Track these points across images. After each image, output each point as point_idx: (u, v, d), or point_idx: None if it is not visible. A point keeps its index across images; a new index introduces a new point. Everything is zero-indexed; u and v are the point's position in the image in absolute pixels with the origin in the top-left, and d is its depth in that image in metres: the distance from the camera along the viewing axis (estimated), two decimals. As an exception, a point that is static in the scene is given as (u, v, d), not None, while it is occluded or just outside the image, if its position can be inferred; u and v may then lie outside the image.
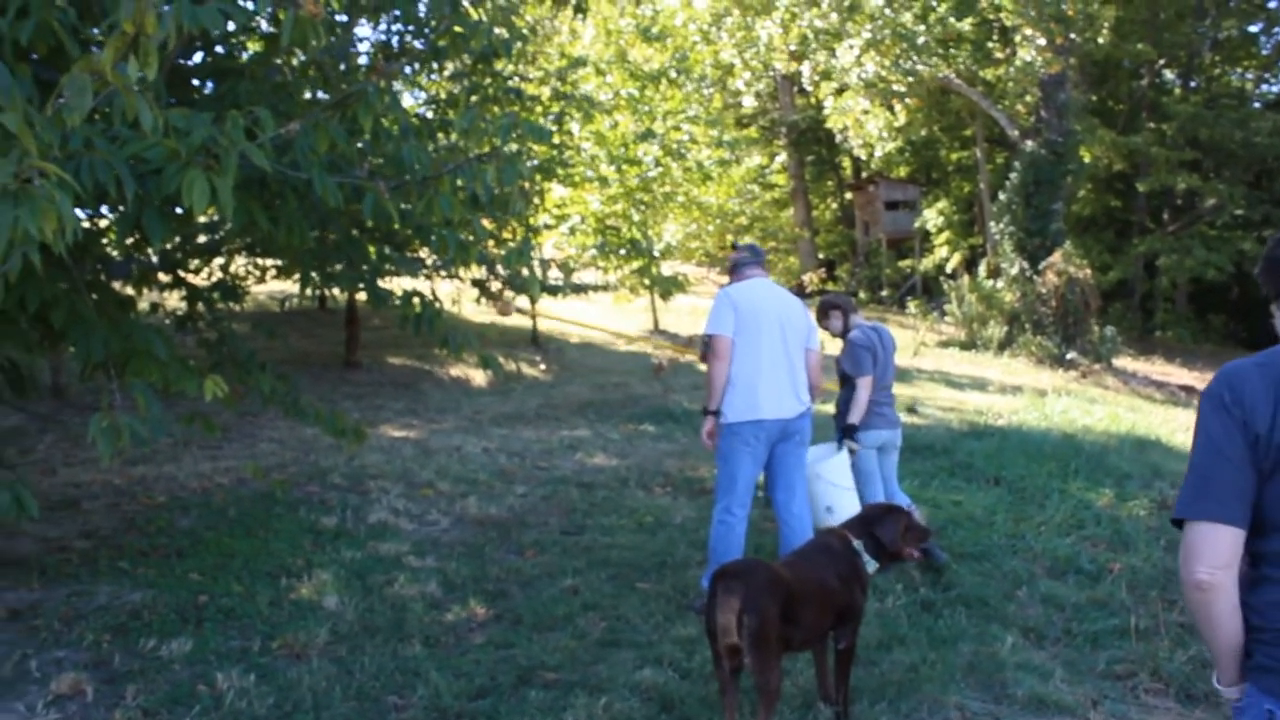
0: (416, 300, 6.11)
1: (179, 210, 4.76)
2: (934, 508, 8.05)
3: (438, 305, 6.15)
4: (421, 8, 6.93)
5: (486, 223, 15.12)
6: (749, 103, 24.49)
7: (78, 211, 4.33)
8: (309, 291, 7.36)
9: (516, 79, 15.05)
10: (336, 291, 11.77)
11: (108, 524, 7.40)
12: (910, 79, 20.07)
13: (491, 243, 15.98)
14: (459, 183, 5.28)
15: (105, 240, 6.11)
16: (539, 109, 15.53)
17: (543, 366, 15.72)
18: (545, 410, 12.54)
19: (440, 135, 7.24)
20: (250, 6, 4.94)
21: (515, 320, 17.62)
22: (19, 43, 4.27)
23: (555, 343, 17.47)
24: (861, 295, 27.89)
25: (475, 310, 17.79)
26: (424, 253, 13.26)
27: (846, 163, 31.67)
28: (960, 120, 27.60)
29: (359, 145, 5.48)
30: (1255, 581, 2.22)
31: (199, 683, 4.82)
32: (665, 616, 5.67)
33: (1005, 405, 13.80)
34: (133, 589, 6.07)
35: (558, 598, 5.98)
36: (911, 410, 12.64)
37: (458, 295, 17.56)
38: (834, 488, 6.45)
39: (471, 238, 5.56)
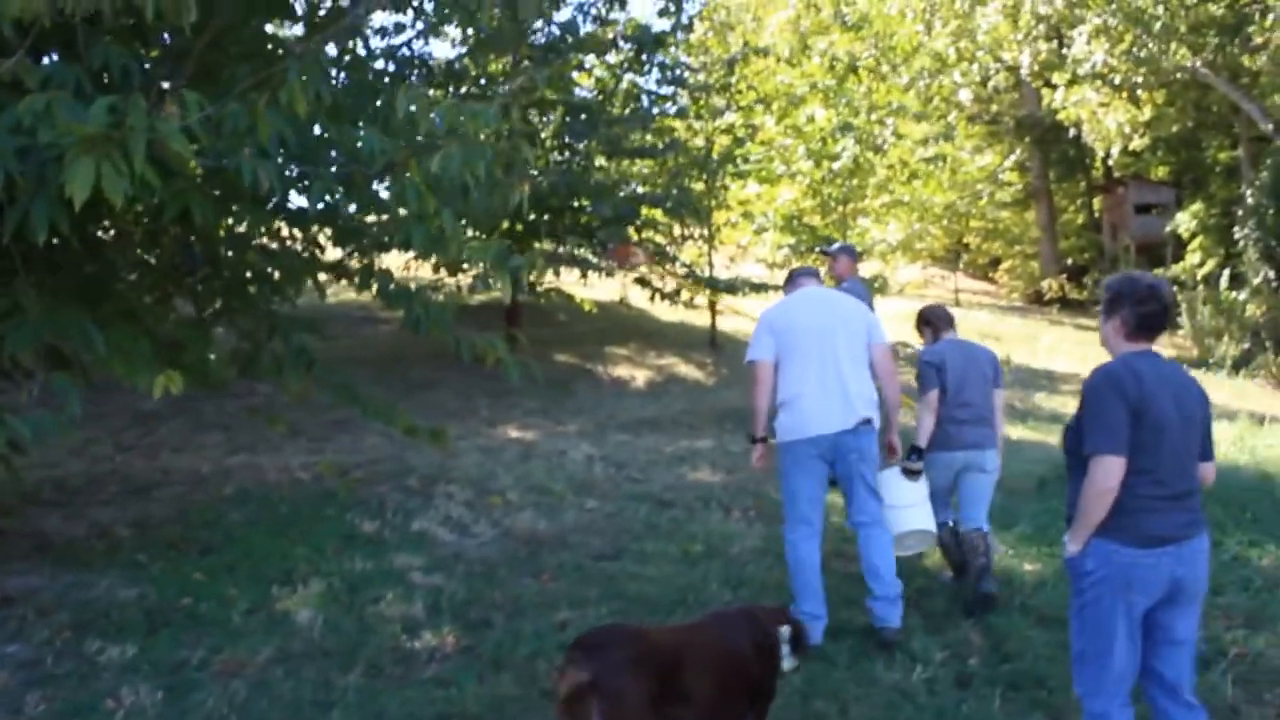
0: (416, 302, 5.70)
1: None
2: (1048, 556, 6.99)
3: (438, 302, 5.74)
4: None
5: (659, 214, 14.90)
6: (965, 96, 22.91)
7: None
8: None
9: (683, 69, 14.55)
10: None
11: (162, 513, 7.39)
12: (1144, 69, 18.15)
13: (661, 238, 15.61)
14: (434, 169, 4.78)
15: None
16: (701, 102, 15.00)
17: (709, 369, 15.11)
18: (684, 416, 11.95)
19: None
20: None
21: (697, 318, 17.11)
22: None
23: (734, 344, 16.75)
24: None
25: (664, 309, 17.43)
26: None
27: (1098, 163, 29.32)
28: (1224, 116, 24.99)
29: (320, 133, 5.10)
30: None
31: (108, 697, 4.58)
32: (637, 666, 5.01)
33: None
34: (131, 584, 5.97)
35: (538, 632, 5.42)
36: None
37: (624, 292, 17.30)
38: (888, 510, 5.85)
39: (446, 230, 5.02)
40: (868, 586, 5.63)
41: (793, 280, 6.11)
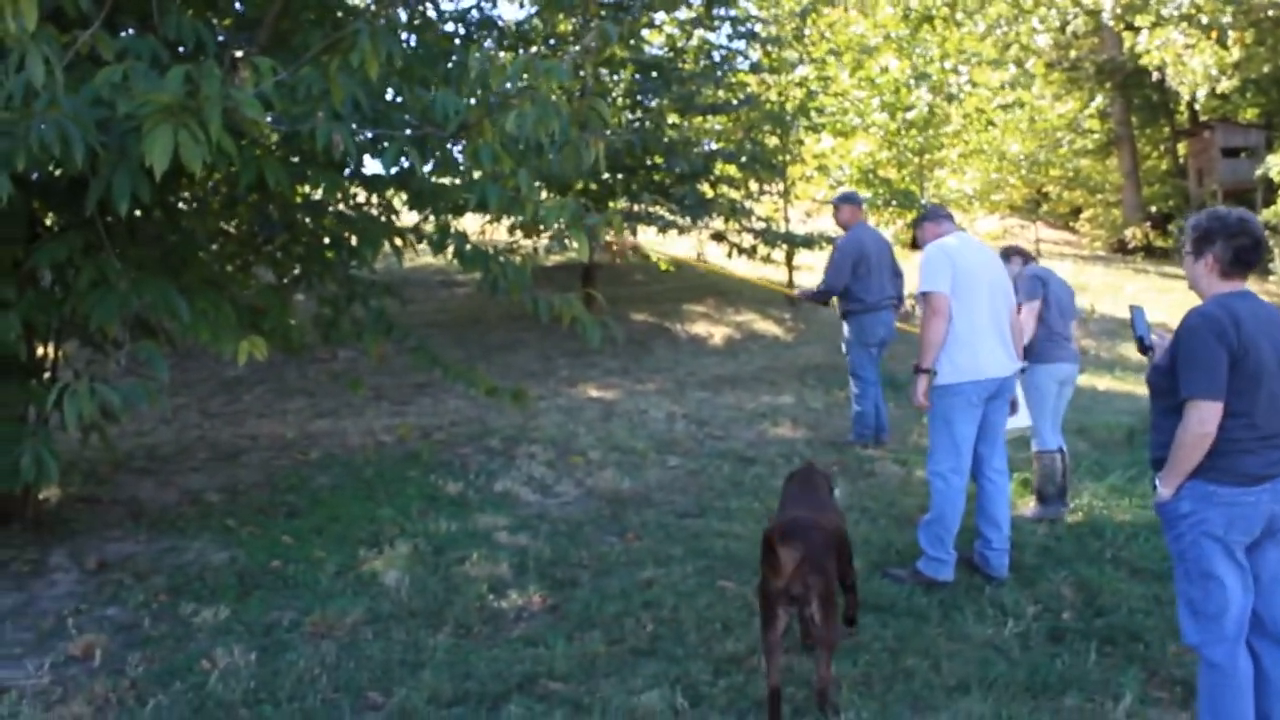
0: (493, 263, 5.68)
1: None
2: (1140, 508, 6.84)
3: (515, 263, 5.71)
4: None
5: (733, 169, 14.74)
6: (1043, 42, 22.22)
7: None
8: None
9: (754, 22, 14.34)
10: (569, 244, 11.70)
11: (250, 478, 7.50)
12: (1232, 8, 17.48)
13: (739, 194, 15.44)
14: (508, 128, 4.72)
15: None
16: (773, 55, 14.76)
17: (788, 325, 14.96)
18: (764, 373, 11.85)
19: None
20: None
21: (775, 274, 16.91)
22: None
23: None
24: (1190, 252, 24.96)
25: (742, 265, 17.26)
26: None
27: (1183, 106, 28.40)
28: (1319, 53, 24.04)
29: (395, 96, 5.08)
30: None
31: (203, 657, 4.66)
32: (724, 625, 4.97)
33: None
34: (222, 548, 6.06)
35: (625, 591, 5.41)
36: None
37: (701, 247, 17.18)
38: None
39: (521, 190, 4.98)
40: (984, 536, 5.68)
41: (938, 218, 6.02)
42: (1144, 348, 4.05)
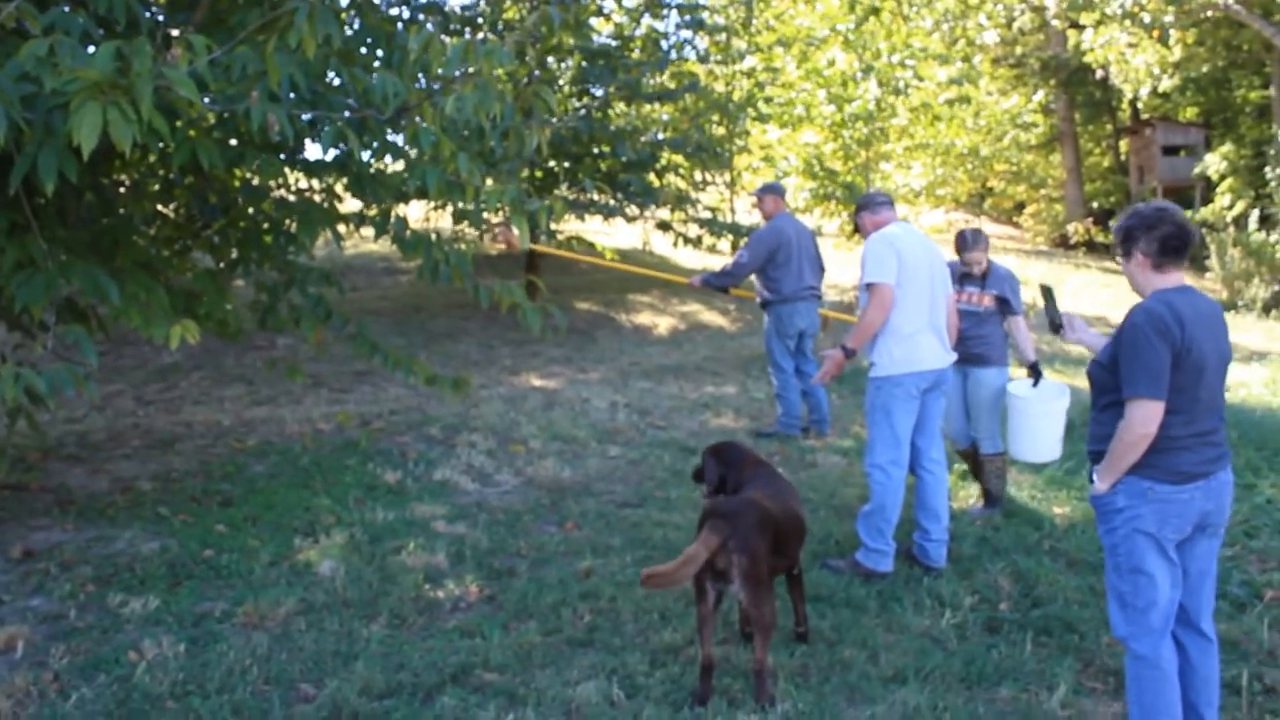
0: (435, 248, 5.60)
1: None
2: (1077, 500, 6.90)
3: (461, 248, 5.64)
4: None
5: (680, 158, 14.68)
6: (990, 38, 22.40)
7: None
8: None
9: (701, 10, 14.33)
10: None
11: (184, 466, 7.36)
12: (1174, 7, 17.73)
13: (683, 183, 15.42)
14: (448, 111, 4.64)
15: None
16: (721, 44, 14.75)
17: (732, 315, 14.97)
18: (708, 363, 11.85)
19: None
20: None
21: (720, 264, 16.89)
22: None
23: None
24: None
25: (688, 256, 17.28)
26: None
27: (1125, 104, 28.83)
28: (1256, 55, 24.46)
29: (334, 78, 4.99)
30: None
31: (131, 649, 4.56)
32: (661, 615, 4.95)
33: (1241, 376, 11.99)
34: (153, 538, 5.93)
35: (563, 581, 5.37)
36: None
37: (647, 237, 17.17)
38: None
39: (462, 174, 4.90)
40: (922, 527, 5.71)
41: (878, 206, 5.88)
42: (1055, 326, 4.11)
